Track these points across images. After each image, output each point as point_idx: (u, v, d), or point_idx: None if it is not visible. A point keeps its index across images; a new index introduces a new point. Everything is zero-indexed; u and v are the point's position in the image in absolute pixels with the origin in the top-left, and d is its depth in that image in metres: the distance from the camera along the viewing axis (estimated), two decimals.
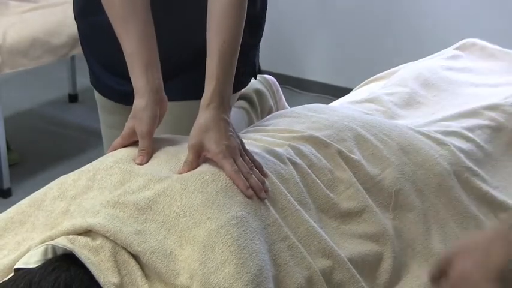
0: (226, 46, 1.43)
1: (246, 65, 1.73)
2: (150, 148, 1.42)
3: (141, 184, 1.32)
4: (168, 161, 1.40)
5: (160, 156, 1.42)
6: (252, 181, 1.34)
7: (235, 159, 1.36)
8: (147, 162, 1.40)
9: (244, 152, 1.41)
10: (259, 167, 1.40)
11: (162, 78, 1.48)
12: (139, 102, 1.45)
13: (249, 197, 1.32)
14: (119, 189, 1.32)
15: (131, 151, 1.42)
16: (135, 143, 1.45)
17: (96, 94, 1.83)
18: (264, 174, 1.40)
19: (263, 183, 1.37)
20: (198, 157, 1.38)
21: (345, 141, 1.58)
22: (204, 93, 1.43)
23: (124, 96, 1.69)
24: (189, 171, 1.36)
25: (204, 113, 1.41)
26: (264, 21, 1.76)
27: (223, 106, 1.41)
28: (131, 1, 1.48)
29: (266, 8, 1.75)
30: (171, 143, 1.47)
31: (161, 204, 1.28)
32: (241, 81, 1.76)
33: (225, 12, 1.44)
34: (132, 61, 1.48)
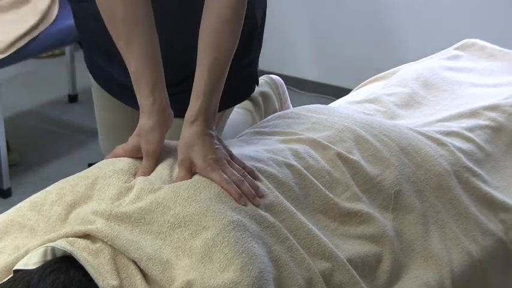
0: (216, 63, 1.42)
1: (250, 79, 1.73)
2: (154, 167, 1.41)
3: (134, 195, 1.32)
4: (163, 171, 1.40)
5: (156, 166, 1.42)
6: (244, 188, 1.34)
7: (224, 170, 1.36)
8: None
9: (232, 160, 1.40)
10: (250, 172, 1.39)
11: (168, 96, 1.46)
12: (147, 122, 1.43)
13: (243, 205, 1.32)
14: (115, 203, 1.32)
15: (132, 162, 1.42)
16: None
17: (92, 77, 1.81)
18: (256, 178, 1.39)
19: (256, 188, 1.36)
20: (190, 171, 1.38)
21: (345, 142, 1.58)
22: (189, 109, 1.42)
23: (121, 89, 1.67)
24: None
25: (189, 129, 1.40)
26: (263, 33, 1.75)
27: (208, 122, 1.41)
28: (134, 19, 1.44)
29: (265, 22, 1.74)
30: (167, 152, 1.46)
31: (154, 214, 1.28)
32: (243, 94, 1.75)
33: (219, 28, 1.42)
34: (137, 79, 1.45)
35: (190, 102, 1.42)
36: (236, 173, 1.36)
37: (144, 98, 1.44)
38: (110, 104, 1.79)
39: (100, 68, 1.74)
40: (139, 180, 1.36)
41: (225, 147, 1.42)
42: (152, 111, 1.43)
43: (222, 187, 1.33)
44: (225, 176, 1.34)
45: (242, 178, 1.35)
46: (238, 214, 1.29)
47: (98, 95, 1.82)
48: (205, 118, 1.41)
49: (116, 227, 1.26)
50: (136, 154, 1.44)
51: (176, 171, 1.39)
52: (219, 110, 1.49)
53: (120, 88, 1.70)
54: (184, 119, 1.42)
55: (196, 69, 1.44)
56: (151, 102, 1.43)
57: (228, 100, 1.50)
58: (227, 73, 1.46)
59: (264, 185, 1.39)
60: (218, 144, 1.41)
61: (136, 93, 1.46)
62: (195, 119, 1.40)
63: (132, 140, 1.44)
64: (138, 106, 1.47)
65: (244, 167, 1.40)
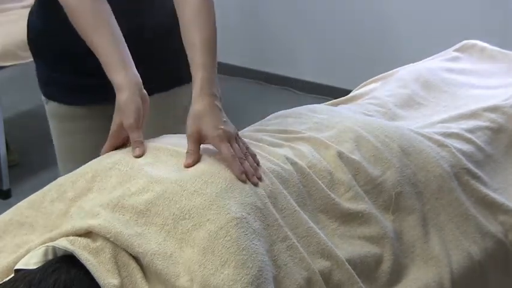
0: (207, 38, 1.51)
1: None
2: (142, 138, 1.45)
3: (140, 186, 1.32)
4: (168, 161, 1.41)
5: (160, 156, 1.42)
6: (246, 165, 1.37)
7: (231, 144, 1.39)
8: (144, 153, 1.42)
9: (239, 138, 1.43)
10: (253, 155, 1.42)
11: (139, 76, 1.51)
12: (122, 95, 1.48)
13: (242, 181, 1.34)
14: (118, 189, 1.32)
15: (128, 153, 1.43)
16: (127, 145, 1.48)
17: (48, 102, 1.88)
18: (257, 162, 1.42)
19: (256, 169, 1.39)
20: (199, 146, 1.40)
21: (346, 143, 1.58)
22: (194, 83, 1.47)
23: (87, 91, 1.73)
24: (193, 161, 1.38)
25: (198, 100, 1.44)
26: None
27: (214, 94, 1.45)
28: (100, 9, 1.54)
29: None
30: (169, 143, 1.48)
31: (160, 207, 1.29)
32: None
33: (198, 10, 1.52)
34: (107, 62, 1.51)
35: (193, 77, 1.48)
36: (241, 150, 1.40)
37: (116, 75, 1.50)
38: (71, 127, 1.82)
39: (59, 81, 1.84)
40: (145, 169, 1.36)
41: (231, 125, 1.46)
42: (126, 84, 1.48)
43: (226, 160, 1.36)
44: (231, 149, 1.38)
45: (244, 157, 1.39)
46: (242, 211, 1.30)
47: (56, 122, 1.86)
48: (211, 88, 1.45)
49: (121, 217, 1.27)
50: (121, 134, 1.48)
51: (179, 160, 1.40)
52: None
53: (85, 90, 1.76)
54: (193, 94, 1.46)
55: (188, 48, 1.51)
56: (123, 76, 1.49)
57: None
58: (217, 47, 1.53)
59: (268, 179, 1.40)
60: (226, 119, 1.45)
61: (108, 74, 1.51)
62: (201, 88, 1.45)
63: (115, 119, 1.49)
64: (106, 100, 1.54)
65: (248, 148, 1.43)
